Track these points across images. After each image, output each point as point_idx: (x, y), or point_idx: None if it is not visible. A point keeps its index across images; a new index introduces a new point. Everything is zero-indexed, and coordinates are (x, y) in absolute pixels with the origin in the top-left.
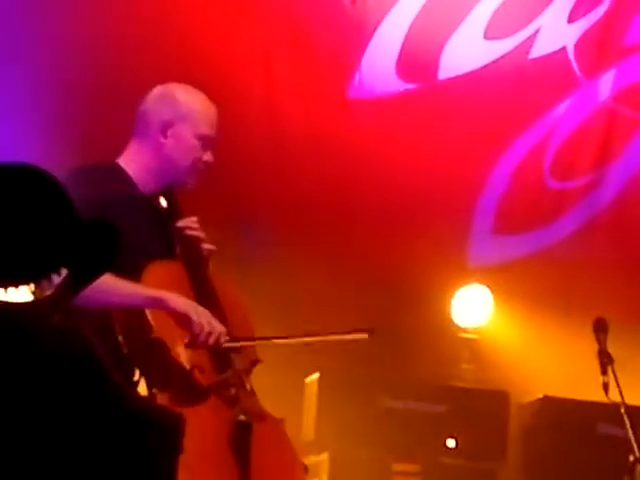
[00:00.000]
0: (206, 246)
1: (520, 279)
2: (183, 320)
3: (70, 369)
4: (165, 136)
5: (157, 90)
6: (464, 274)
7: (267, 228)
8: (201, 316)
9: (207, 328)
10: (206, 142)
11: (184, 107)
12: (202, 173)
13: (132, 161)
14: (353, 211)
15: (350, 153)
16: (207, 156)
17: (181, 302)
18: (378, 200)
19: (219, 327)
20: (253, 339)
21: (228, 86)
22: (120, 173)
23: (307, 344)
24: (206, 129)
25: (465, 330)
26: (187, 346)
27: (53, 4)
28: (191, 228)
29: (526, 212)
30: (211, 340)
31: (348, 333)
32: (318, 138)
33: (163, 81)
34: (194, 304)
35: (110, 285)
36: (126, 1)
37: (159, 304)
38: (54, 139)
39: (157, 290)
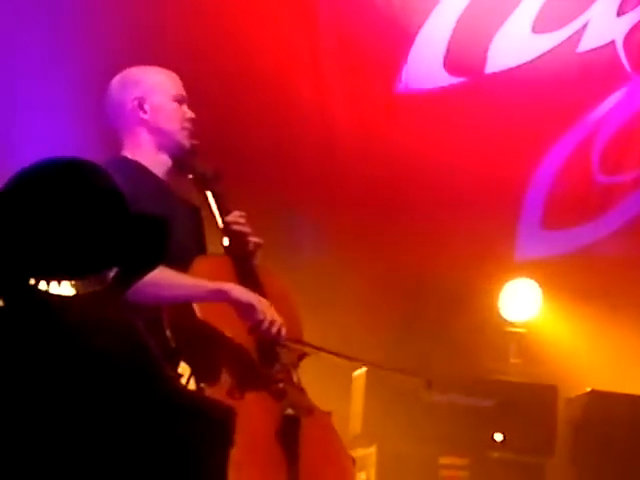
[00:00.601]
0: (253, 240)
1: (569, 273)
2: (245, 310)
3: (121, 361)
4: (144, 111)
5: (117, 79)
6: (512, 268)
7: (315, 224)
8: (264, 306)
9: (270, 317)
10: (181, 101)
11: (147, 81)
12: (193, 131)
13: (136, 149)
14: (400, 206)
15: (397, 149)
16: (188, 113)
17: (244, 292)
18: (424, 195)
19: (280, 319)
20: (315, 347)
21: (278, 88)
22: (137, 165)
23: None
24: (176, 89)
25: (513, 324)
26: (249, 333)
27: (104, 6)
28: (238, 223)
29: (574, 206)
30: (273, 329)
31: (407, 374)
32: (366, 135)
33: (211, 87)
34: (256, 295)
35: (169, 279)
36: (178, 7)
37: (222, 296)
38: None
39: (218, 282)
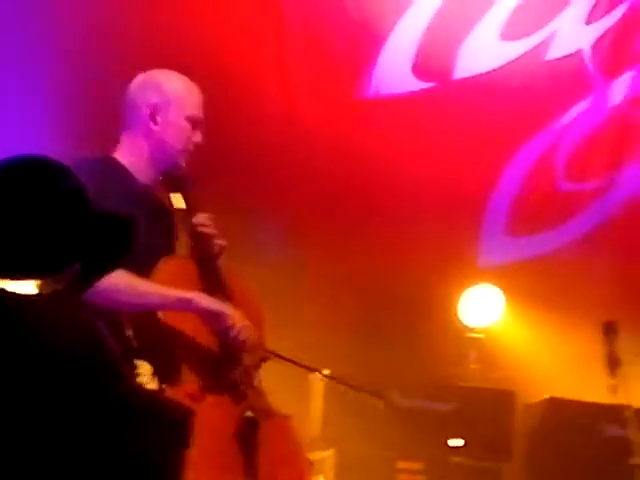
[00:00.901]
0: (218, 242)
1: (529, 280)
2: (214, 318)
3: (78, 360)
4: (155, 122)
5: (140, 78)
6: (475, 274)
7: (279, 226)
8: (235, 313)
9: (240, 324)
10: (195, 123)
11: (169, 91)
12: (192, 154)
13: (128, 153)
14: (365, 210)
15: (364, 153)
16: (197, 137)
17: (211, 300)
18: (390, 200)
19: (250, 325)
20: (283, 357)
21: (245, 87)
22: (117, 167)
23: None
24: (194, 110)
25: (473, 330)
26: (219, 339)
27: (65, 6)
28: (204, 225)
29: (538, 213)
30: (242, 336)
31: (369, 392)
32: (333, 138)
33: None
34: (223, 303)
35: (135, 286)
36: (145, 5)
37: (188, 305)
38: (68, 134)
39: (184, 291)
